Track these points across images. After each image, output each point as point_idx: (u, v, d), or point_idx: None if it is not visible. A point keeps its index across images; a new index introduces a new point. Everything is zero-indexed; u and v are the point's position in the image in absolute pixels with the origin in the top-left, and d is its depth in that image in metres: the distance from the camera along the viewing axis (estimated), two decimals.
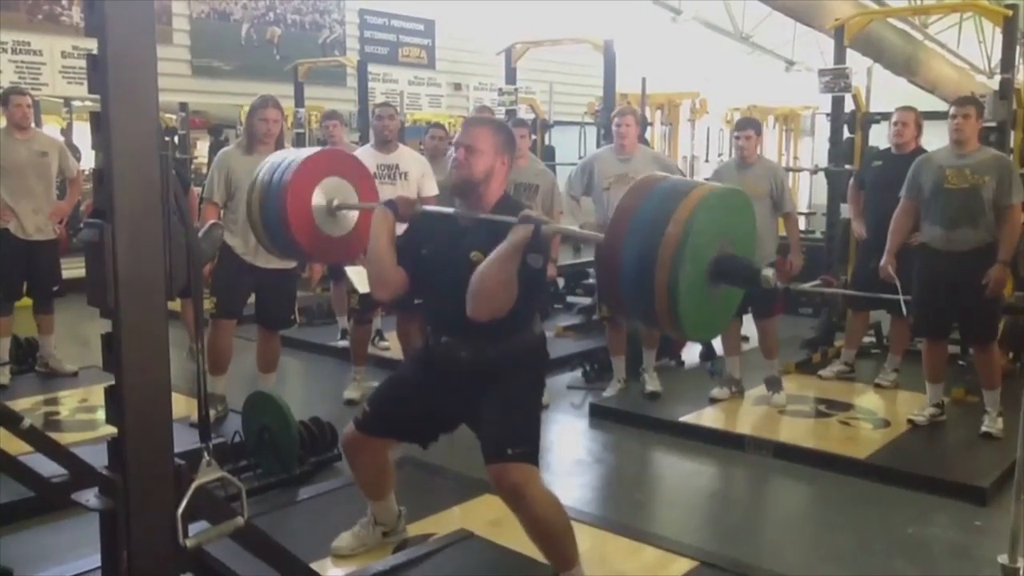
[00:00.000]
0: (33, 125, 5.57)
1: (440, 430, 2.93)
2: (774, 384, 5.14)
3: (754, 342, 5.44)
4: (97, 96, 1.77)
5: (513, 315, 2.59)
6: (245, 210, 3.15)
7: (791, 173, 11.53)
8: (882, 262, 4.71)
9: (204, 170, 9.77)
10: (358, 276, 4.22)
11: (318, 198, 2.99)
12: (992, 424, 4.51)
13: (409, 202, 2.87)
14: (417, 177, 5.11)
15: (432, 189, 5.13)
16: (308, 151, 3.18)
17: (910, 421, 4.72)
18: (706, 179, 4.96)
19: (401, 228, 2.87)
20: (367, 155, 5.13)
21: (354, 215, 3.09)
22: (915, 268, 4.66)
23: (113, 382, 1.82)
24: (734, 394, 5.17)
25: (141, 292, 1.78)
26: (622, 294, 2.22)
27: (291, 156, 3.05)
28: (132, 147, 1.76)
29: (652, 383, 5.20)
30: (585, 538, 3.36)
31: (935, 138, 6.04)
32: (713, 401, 5.11)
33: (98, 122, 1.75)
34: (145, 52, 1.77)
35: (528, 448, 2.66)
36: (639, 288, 2.14)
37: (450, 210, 2.78)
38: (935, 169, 4.52)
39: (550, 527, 2.68)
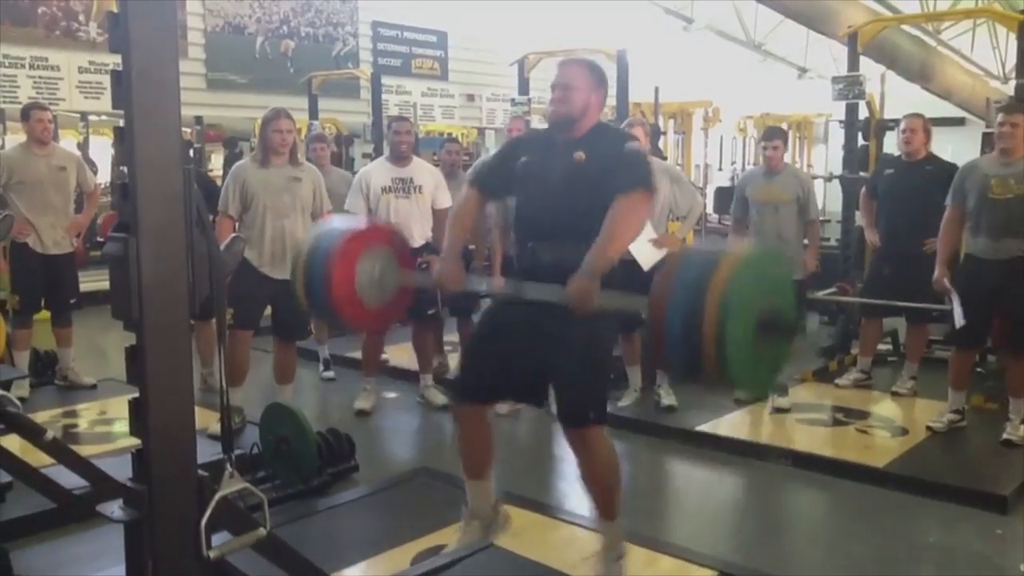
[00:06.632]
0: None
1: (536, 374, 2.88)
2: (780, 388, 5.18)
3: None
4: (120, 111, 1.79)
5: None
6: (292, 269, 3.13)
7: None
8: (935, 275, 4.59)
9: (218, 182, 9.84)
10: None
11: (364, 263, 2.92)
12: (1014, 431, 4.47)
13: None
14: (431, 190, 5.13)
15: (445, 202, 5.14)
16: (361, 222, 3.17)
17: (929, 428, 4.68)
18: (731, 183, 4.98)
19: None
20: (382, 168, 5.18)
21: (392, 291, 3.01)
22: (957, 277, 4.58)
23: (135, 395, 1.84)
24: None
25: (165, 304, 1.80)
26: (669, 351, 2.27)
27: (346, 224, 3.09)
28: (155, 161, 1.79)
29: (668, 398, 5.18)
30: None
31: (948, 144, 6.02)
32: (739, 402, 5.13)
33: (122, 137, 1.77)
34: (168, 67, 1.80)
35: (605, 409, 2.89)
36: (687, 343, 2.18)
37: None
38: (980, 178, 4.44)
39: (610, 475, 2.92)
